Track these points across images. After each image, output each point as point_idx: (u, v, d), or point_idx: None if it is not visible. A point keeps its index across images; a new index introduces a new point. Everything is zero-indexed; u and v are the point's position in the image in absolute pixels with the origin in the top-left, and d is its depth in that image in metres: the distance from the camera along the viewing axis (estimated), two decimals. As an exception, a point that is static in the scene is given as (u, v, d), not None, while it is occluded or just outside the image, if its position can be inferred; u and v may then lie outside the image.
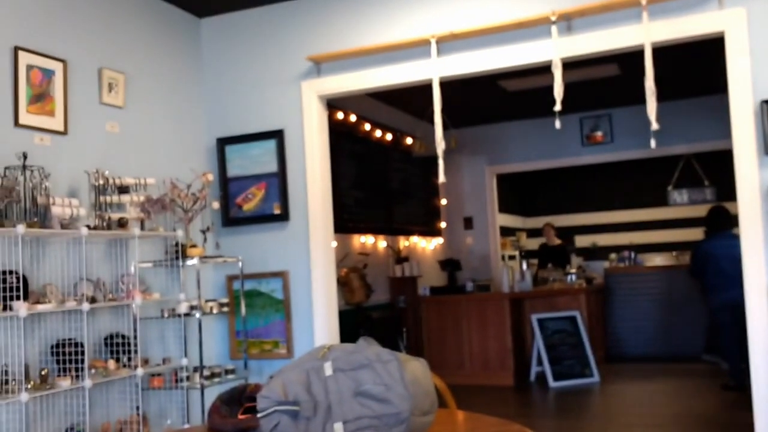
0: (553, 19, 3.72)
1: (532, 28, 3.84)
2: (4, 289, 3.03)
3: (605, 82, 6.92)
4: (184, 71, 4.53)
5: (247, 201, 4.50)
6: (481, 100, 7.46)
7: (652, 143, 3.63)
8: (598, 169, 9.34)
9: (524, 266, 7.69)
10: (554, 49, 3.75)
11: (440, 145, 4.00)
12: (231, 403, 2.04)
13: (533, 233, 11.36)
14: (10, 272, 3.08)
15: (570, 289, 7.55)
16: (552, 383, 6.71)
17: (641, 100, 3.62)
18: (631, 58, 3.92)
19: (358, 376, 1.53)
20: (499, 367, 6.95)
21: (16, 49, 3.36)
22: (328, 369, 1.55)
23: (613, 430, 5.21)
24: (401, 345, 6.90)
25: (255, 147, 4.49)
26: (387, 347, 1.65)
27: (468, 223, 9.01)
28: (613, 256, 9.44)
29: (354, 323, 6.24)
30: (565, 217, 11.25)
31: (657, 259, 9.26)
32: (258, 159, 4.47)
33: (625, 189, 10.77)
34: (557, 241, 9.13)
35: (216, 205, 4.29)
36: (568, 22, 3.77)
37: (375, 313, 6.71)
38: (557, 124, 3.81)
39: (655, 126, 3.55)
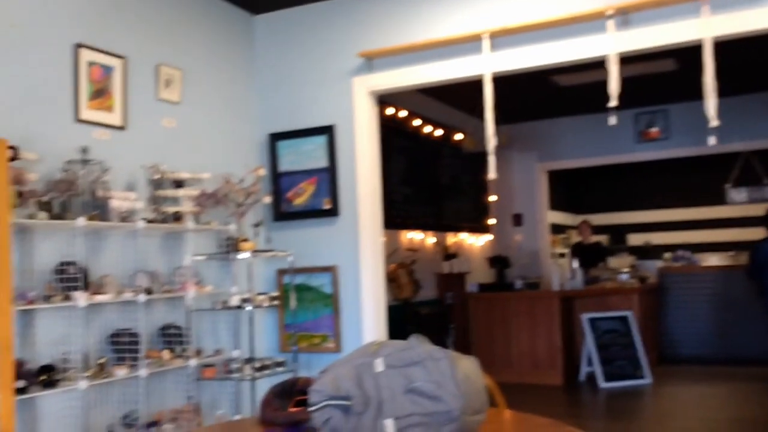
0: (609, 13, 3.65)
1: (587, 22, 3.77)
2: (65, 280, 3.14)
3: (661, 77, 6.76)
4: (238, 67, 4.60)
5: (298, 196, 4.55)
6: (532, 96, 7.37)
7: (711, 140, 3.54)
8: (653, 166, 9.12)
9: (575, 264, 7.57)
10: (610, 44, 3.68)
11: (491, 142, 3.97)
12: (282, 396, 2.07)
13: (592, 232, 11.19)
14: (71, 263, 3.18)
15: (622, 288, 7.41)
16: (602, 384, 6.60)
17: (699, 95, 3.52)
18: (689, 53, 3.82)
19: (410, 373, 1.53)
20: (548, 366, 6.87)
21: (78, 46, 3.46)
22: (379, 365, 1.56)
23: (665, 433, 5.10)
24: (448, 341, 6.88)
25: (306, 142, 4.53)
26: (434, 343, 1.65)
27: (517, 219, 8.92)
28: (667, 255, 9.22)
29: (402, 319, 6.25)
30: (617, 215, 11.03)
31: (713, 259, 9.00)
32: (309, 154, 4.51)
33: (680, 186, 10.50)
34: (593, 240, 8.85)
35: (267, 199, 4.36)
36: (625, 16, 3.69)
37: (423, 309, 6.70)
38: (612, 120, 3.74)
39: (714, 122, 3.46)
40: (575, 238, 10.49)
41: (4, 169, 2.64)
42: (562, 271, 7.33)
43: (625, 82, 3.78)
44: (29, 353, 3.09)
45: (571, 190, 11.10)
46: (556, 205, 9.83)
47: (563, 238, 10.17)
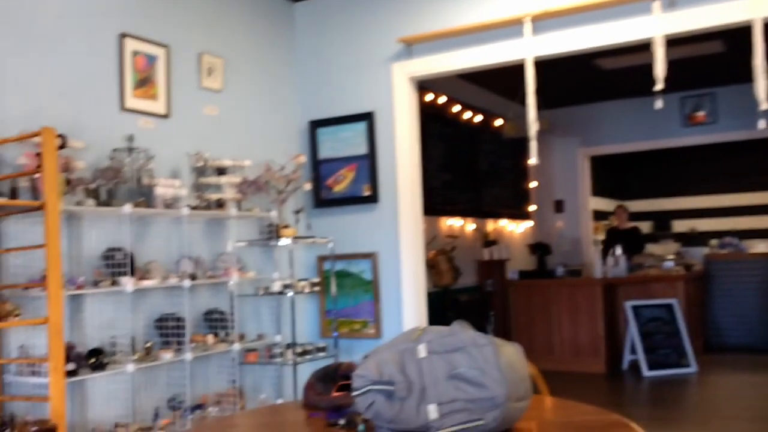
0: (655, -6, 3.56)
1: (632, 4, 3.69)
2: (113, 266, 3.21)
3: (708, 59, 6.58)
4: (279, 55, 4.63)
5: (338, 182, 4.56)
6: (575, 80, 7.25)
7: (761, 124, 3.43)
8: (699, 151, 8.91)
9: (618, 251, 7.45)
10: (655, 26, 3.59)
11: (533, 127, 3.92)
12: (325, 381, 2.09)
13: (628, 217, 10.99)
14: (118, 249, 3.25)
15: (667, 275, 7.27)
16: (646, 372, 6.50)
17: (748, 77, 3.42)
18: (737, 34, 3.71)
19: (453, 359, 1.53)
20: (590, 354, 6.79)
21: (122, 35, 3.52)
22: (422, 351, 1.56)
23: (711, 422, 5.00)
24: (488, 329, 6.86)
25: (346, 129, 4.54)
26: (474, 328, 1.65)
27: (559, 206, 8.81)
28: (713, 242, 9.01)
29: (441, 306, 6.24)
30: (662, 201, 10.81)
31: (761, 246, 8.75)
32: (349, 141, 4.52)
33: (727, 171, 10.23)
34: (629, 225, 8.40)
35: (308, 186, 4.38)
36: (672, -4, 3.60)
37: (462, 296, 6.69)
38: (658, 103, 3.66)
39: (764, 105, 3.36)
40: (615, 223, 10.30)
41: (53, 157, 2.71)
42: (605, 258, 7.22)
43: (671, 64, 3.69)
44: (79, 337, 3.18)
45: (615, 175, 10.90)
46: (598, 191, 9.68)
47: (606, 224, 10.01)
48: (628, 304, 6.81)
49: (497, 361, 1.49)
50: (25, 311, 2.89)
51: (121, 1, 3.56)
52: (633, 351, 6.74)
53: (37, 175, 2.84)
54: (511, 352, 1.56)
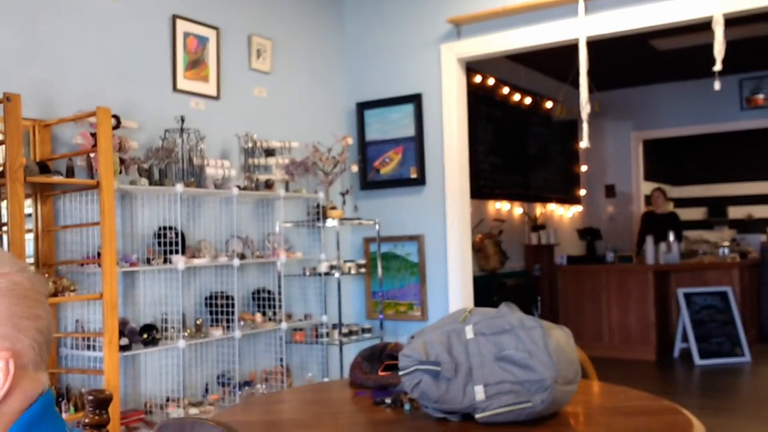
0: (716, -30, 3.43)
1: (691, -19, 3.56)
2: (165, 243, 3.28)
3: (770, 39, 6.33)
4: (327, 37, 4.63)
5: (385, 165, 4.56)
6: (628, 61, 7.07)
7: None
8: (758, 135, 8.60)
9: (671, 237, 7.28)
10: (715, 4, 3.47)
11: (585, 109, 3.84)
12: (372, 360, 2.11)
13: (681, 203, 10.70)
14: (170, 228, 3.32)
15: (722, 263, 7.07)
16: (698, 361, 6.36)
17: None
18: (805, 12, 3.56)
19: (500, 340, 1.52)
20: (640, 341, 6.67)
21: (174, 17, 3.57)
22: (469, 332, 1.55)
23: (763, 412, 4.87)
24: (535, 314, 6.79)
25: (393, 111, 4.52)
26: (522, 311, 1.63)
27: (610, 191, 8.64)
28: (771, 229, 8.73)
29: (488, 290, 6.20)
30: (718, 187, 10.49)
31: (821, 233, 8.45)
32: (396, 123, 4.51)
33: (787, 157, 9.87)
34: (668, 209, 7.87)
35: (355, 168, 4.39)
36: (733, -27, 3.46)
37: (509, 280, 6.63)
38: (716, 85, 3.54)
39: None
40: (672, 210, 10.04)
41: (108, 136, 2.77)
42: (658, 244, 7.06)
43: (730, 45, 3.56)
44: (132, 313, 3.27)
45: (669, 160, 10.62)
46: (651, 176, 9.45)
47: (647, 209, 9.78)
48: (681, 291, 6.66)
49: (545, 344, 1.47)
50: (80, 287, 2.98)
51: (174, -16, 3.60)
52: (685, 339, 6.60)
53: (92, 155, 2.91)
54: (560, 335, 1.54)
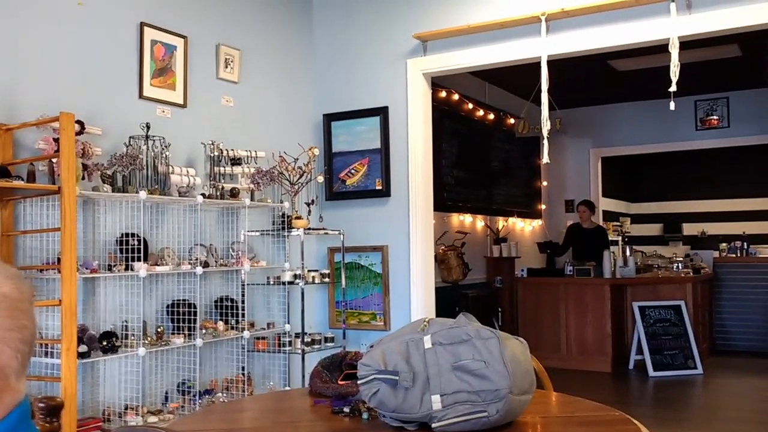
0: (672, -4, 3.56)
1: (650, 5, 3.69)
2: (127, 251, 3.27)
3: (724, 63, 6.56)
4: (295, 48, 4.66)
5: (350, 176, 4.60)
6: (588, 80, 7.25)
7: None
8: (712, 154, 8.89)
9: (627, 252, 7.45)
10: (672, 28, 3.60)
11: (545, 126, 3.94)
12: (331, 369, 2.14)
13: (638, 219, 10.97)
14: (132, 235, 3.31)
15: (676, 277, 7.27)
16: (652, 373, 6.52)
17: (763, 82, 3.42)
18: (754, 38, 3.71)
19: (457, 350, 1.56)
20: (596, 352, 6.81)
21: (142, 24, 3.57)
22: (427, 342, 1.60)
23: (714, 423, 5.02)
24: (496, 325, 6.89)
25: (360, 123, 4.57)
26: (480, 322, 1.68)
27: (569, 205, 8.81)
28: (723, 245, 9.00)
29: (450, 301, 6.28)
30: (673, 204, 10.79)
31: (772, 251, 8.74)
32: (362, 135, 4.56)
33: (739, 176, 10.20)
34: (593, 224, 7.72)
35: (321, 178, 4.42)
36: (688, -1, 3.60)
37: (471, 291, 6.72)
38: (672, 106, 3.67)
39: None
40: (628, 226, 10.28)
41: (71, 142, 2.76)
42: (614, 259, 7.22)
43: (686, 67, 3.71)
44: (92, 320, 3.24)
45: (626, 177, 10.89)
46: (609, 192, 9.67)
47: (616, 225, 10.00)
48: (636, 305, 6.82)
49: (501, 354, 1.53)
50: (40, 293, 2.95)
51: (142, -9, 3.61)
52: (639, 351, 6.76)
53: (54, 160, 2.89)
54: (516, 346, 1.59)
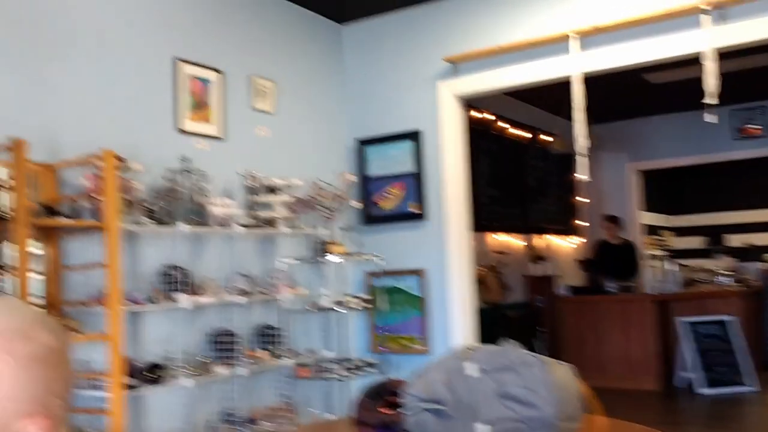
0: (705, 8, 3.52)
1: (681, 18, 3.66)
2: (169, 282, 3.31)
3: (760, 72, 6.44)
4: (327, 76, 4.72)
5: (386, 200, 4.61)
6: (622, 94, 7.17)
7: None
8: (752, 164, 8.69)
9: (670, 266, 7.30)
10: (706, 40, 3.56)
11: (582, 144, 3.91)
12: (375, 397, 2.13)
13: (681, 232, 10.75)
14: (175, 267, 3.36)
15: (722, 291, 7.09)
16: (701, 390, 6.35)
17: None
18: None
19: (502, 378, 1.55)
20: (642, 371, 6.67)
21: (177, 60, 3.65)
22: (471, 369, 1.58)
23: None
24: (538, 345, 6.79)
25: (393, 147, 4.59)
26: (524, 347, 1.66)
27: (614, 220, 8.68)
28: (770, 256, 8.77)
29: (490, 322, 6.20)
30: (715, 216, 10.56)
31: (821, 260, 8.48)
32: (396, 159, 4.57)
33: (782, 185, 9.95)
34: (620, 239, 7.46)
35: (356, 204, 4.45)
36: (722, 10, 3.56)
37: (511, 312, 6.65)
38: (708, 117, 3.61)
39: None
40: (670, 239, 10.07)
41: (113, 179, 2.83)
42: (657, 274, 7.08)
43: (721, 78, 3.65)
44: (137, 351, 3.29)
45: (666, 190, 10.70)
46: (649, 206, 9.51)
47: (657, 239, 9.82)
48: (681, 320, 6.67)
49: (547, 380, 1.51)
50: (85, 326, 3.01)
51: (176, 28, 3.70)
52: (687, 368, 6.60)
53: (97, 196, 2.96)
54: (562, 372, 1.57)
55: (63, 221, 2.85)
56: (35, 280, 2.82)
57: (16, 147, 2.53)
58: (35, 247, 2.88)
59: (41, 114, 3.04)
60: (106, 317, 2.84)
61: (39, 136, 2.96)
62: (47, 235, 2.96)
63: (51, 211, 2.82)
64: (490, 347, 1.63)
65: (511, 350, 1.58)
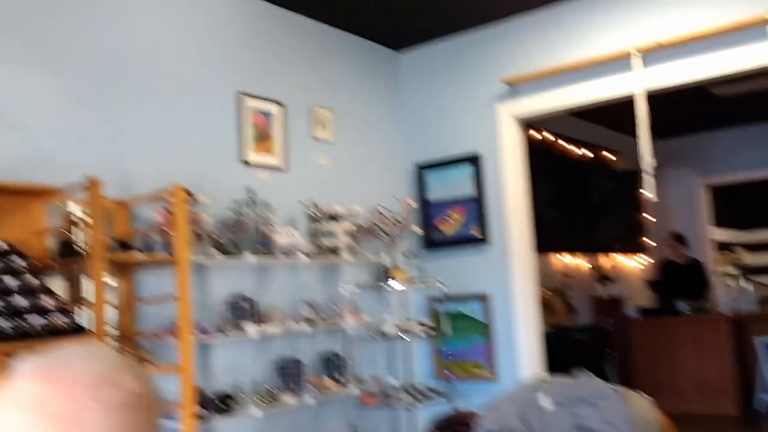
0: (773, 18, 3.41)
1: (748, 30, 3.55)
2: (237, 312, 3.37)
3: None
4: (385, 102, 4.76)
5: (447, 224, 4.59)
6: (689, 108, 6.98)
7: None
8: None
9: (745, 284, 7.01)
10: (775, 51, 3.44)
11: (648, 162, 3.81)
12: (445, 429, 2.10)
13: (754, 248, 10.31)
14: (242, 297, 3.41)
15: (803, 309, 6.77)
16: (784, 415, 6.04)
17: None
18: None
19: (579, 411, 1.51)
20: (719, 394, 6.39)
21: (240, 95, 3.74)
22: (546, 402, 1.55)
23: None
24: (608, 369, 6.60)
25: (452, 171, 4.58)
26: (593, 371, 1.61)
27: (679, 239, 8.41)
28: None
29: (557, 346, 6.07)
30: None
31: None
32: (456, 183, 4.56)
33: None
34: (687, 258, 7.14)
35: (417, 229, 4.44)
36: (792, 20, 3.44)
37: (578, 335, 6.49)
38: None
39: None
40: (745, 256, 9.67)
41: (183, 213, 2.90)
42: (732, 293, 6.81)
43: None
44: (207, 382, 3.34)
45: (738, 205, 10.30)
46: (720, 221, 9.18)
47: (731, 256, 9.45)
48: (760, 341, 6.38)
49: (626, 414, 1.46)
50: (157, 357, 3.08)
51: (238, 63, 3.80)
52: (766, 390, 6.29)
53: (168, 230, 3.04)
54: (641, 404, 1.52)
55: (136, 256, 2.94)
56: (110, 313, 2.90)
57: (92, 186, 2.63)
58: (109, 281, 2.97)
59: (114, 152, 3.16)
60: (177, 348, 2.90)
61: (112, 174, 3.08)
62: (121, 268, 3.05)
63: (125, 245, 2.91)
64: (564, 379, 1.59)
65: (587, 382, 1.54)
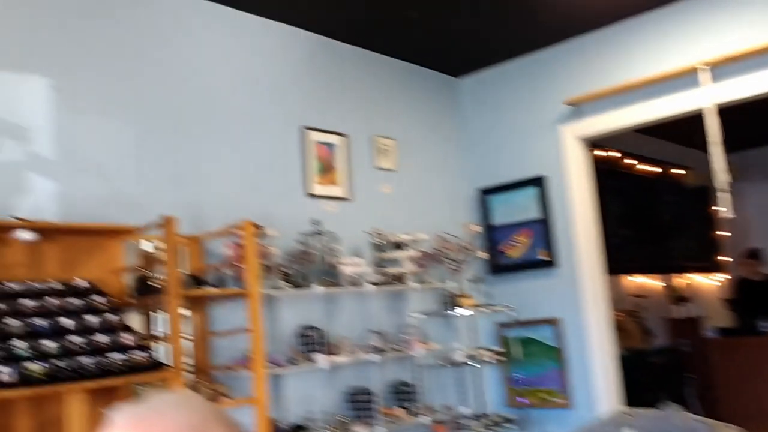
0: None
1: (823, 37, 3.41)
2: (307, 343, 3.39)
3: None
4: (446, 129, 4.76)
5: (513, 248, 4.54)
6: (761, 120, 6.72)
7: None
8: None
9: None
10: None
11: (722, 179, 3.68)
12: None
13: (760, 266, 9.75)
14: (312, 327, 3.44)
15: None
16: None
17: None
18: None
19: (665, 444, 1.45)
20: (809, 419, 6.04)
21: (304, 128, 3.81)
22: (630, 435, 1.50)
23: None
24: (687, 393, 6.34)
25: (516, 194, 4.53)
26: (671, 396, 1.55)
27: (755, 255, 8.06)
28: None
29: (633, 370, 5.87)
30: None
31: None
32: (520, 206, 4.51)
33: None
34: (764, 275, 6.81)
35: (482, 254, 4.40)
36: None
37: (655, 358, 6.26)
38: None
39: None
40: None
41: (254, 247, 2.96)
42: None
43: None
44: (280, 413, 3.37)
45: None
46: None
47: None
48: None
49: (716, 448, 1.40)
50: (232, 390, 3.12)
51: (302, 99, 3.87)
52: None
53: (239, 264, 3.10)
54: (731, 436, 1.45)
55: (209, 290, 3.00)
56: (185, 347, 2.97)
57: (167, 224, 2.71)
58: (184, 315, 3.04)
59: (187, 190, 3.26)
60: (251, 380, 2.94)
61: (185, 211, 3.17)
62: (194, 303, 3.13)
63: (198, 281, 2.99)
64: (650, 411, 1.53)
65: (674, 415, 1.48)
